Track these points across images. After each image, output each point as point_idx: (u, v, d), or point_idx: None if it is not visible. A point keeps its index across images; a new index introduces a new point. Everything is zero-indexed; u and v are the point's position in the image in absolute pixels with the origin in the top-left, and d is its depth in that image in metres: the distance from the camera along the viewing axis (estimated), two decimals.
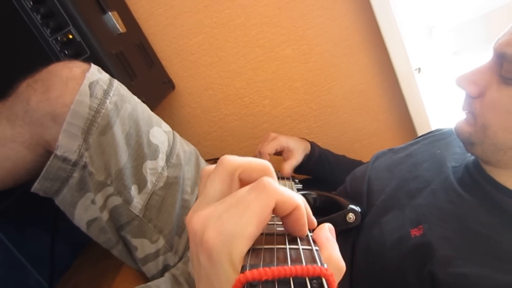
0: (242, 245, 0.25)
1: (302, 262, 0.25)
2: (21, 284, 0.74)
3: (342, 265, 0.28)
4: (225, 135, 1.25)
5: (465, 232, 0.51)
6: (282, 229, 0.31)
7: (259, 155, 0.88)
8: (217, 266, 0.25)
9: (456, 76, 0.56)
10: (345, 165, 0.92)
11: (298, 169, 0.93)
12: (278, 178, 0.82)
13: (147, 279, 0.76)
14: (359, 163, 0.97)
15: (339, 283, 0.26)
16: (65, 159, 0.63)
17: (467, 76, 0.55)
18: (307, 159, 0.91)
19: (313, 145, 0.93)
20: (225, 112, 1.22)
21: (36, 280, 0.76)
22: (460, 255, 0.48)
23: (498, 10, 1.04)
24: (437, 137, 0.74)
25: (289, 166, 0.86)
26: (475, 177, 0.57)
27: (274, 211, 0.27)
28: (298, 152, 0.89)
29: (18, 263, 0.75)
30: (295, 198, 0.27)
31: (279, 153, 0.91)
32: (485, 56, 0.56)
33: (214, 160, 1.16)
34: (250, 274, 0.22)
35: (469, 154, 0.61)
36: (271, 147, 0.88)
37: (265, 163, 0.30)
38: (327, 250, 0.28)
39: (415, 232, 0.54)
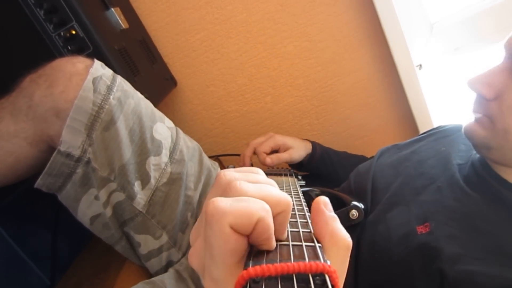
0: (229, 285, 0.24)
1: (305, 259, 0.25)
2: (23, 281, 0.74)
3: (346, 241, 0.26)
4: (227, 132, 1.25)
5: (472, 230, 0.50)
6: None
7: (257, 154, 0.88)
8: None
9: (469, 78, 0.54)
10: (348, 162, 0.92)
11: (300, 168, 0.93)
12: (282, 174, 0.82)
13: (150, 275, 0.76)
14: (361, 158, 0.97)
15: (345, 280, 0.26)
16: (68, 155, 0.62)
17: (481, 78, 0.53)
18: (309, 159, 0.91)
19: (314, 144, 0.93)
20: (227, 109, 1.22)
21: (38, 277, 0.76)
22: (467, 253, 0.48)
23: (500, 6, 1.04)
24: (441, 134, 0.74)
25: (275, 157, 0.85)
26: (482, 175, 0.56)
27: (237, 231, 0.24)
28: (295, 150, 0.89)
29: (20, 260, 0.75)
30: (254, 212, 0.23)
31: (276, 151, 0.91)
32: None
33: (216, 157, 1.16)
34: (253, 270, 0.22)
35: (474, 152, 0.60)
36: (266, 146, 0.87)
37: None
38: (328, 230, 0.27)
39: (421, 229, 0.54)
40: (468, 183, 0.57)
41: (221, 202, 0.24)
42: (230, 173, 0.28)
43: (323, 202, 0.28)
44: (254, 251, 0.26)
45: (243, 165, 0.90)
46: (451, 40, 1.12)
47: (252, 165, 0.89)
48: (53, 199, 0.67)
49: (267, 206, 0.24)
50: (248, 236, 0.24)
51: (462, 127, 0.59)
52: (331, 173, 0.92)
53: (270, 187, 0.27)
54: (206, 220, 0.24)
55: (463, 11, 1.11)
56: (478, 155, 0.59)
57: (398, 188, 0.65)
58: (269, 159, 0.84)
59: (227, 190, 0.26)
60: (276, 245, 0.27)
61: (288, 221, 0.28)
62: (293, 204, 0.37)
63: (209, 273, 0.24)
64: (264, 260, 0.24)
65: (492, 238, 0.49)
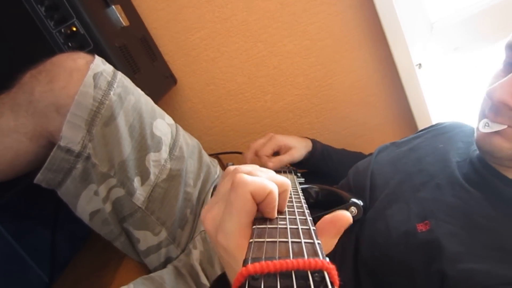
0: (238, 238, 0.31)
1: (304, 256, 0.25)
2: (22, 279, 0.74)
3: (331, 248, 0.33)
4: (226, 130, 1.25)
5: (473, 228, 0.50)
6: (284, 223, 0.32)
7: (259, 158, 0.86)
8: (233, 259, 0.31)
9: (490, 88, 0.50)
10: (347, 159, 0.92)
11: (299, 165, 0.93)
12: (281, 171, 0.82)
13: (149, 271, 0.76)
14: (360, 155, 0.97)
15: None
16: (68, 150, 0.63)
17: (504, 86, 0.48)
18: (309, 157, 0.91)
19: (314, 142, 0.93)
20: (226, 107, 1.22)
21: (37, 274, 0.76)
22: (468, 251, 0.47)
23: (499, 6, 1.04)
24: (439, 131, 0.74)
25: (277, 161, 0.83)
26: (482, 172, 0.56)
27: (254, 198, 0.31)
28: (297, 150, 0.88)
29: (19, 257, 0.74)
30: (267, 185, 0.31)
31: (278, 152, 0.89)
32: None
33: (215, 155, 1.16)
34: (252, 267, 0.23)
35: (473, 149, 0.60)
36: (267, 148, 0.86)
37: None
38: (329, 234, 0.32)
39: (421, 227, 0.53)
40: (467, 180, 0.56)
41: (245, 175, 0.31)
42: (243, 166, 0.36)
43: (346, 220, 0.33)
44: (254, 248, 0.27)
45: None
46: (451, 40, 1.12)
47: None
48: (52, 196, 0.67)
49: (275, 184, 0.32)
50: (259, 205, 0.32)
51: (474, 137, 0.56)
52: (330, 170, 0.92)
53: (274, 173, 0.35)
54: (232, 187, 0.31)
55: (463, 11, 1.11)
56: (476, 152, 0.59)
57: (396, 185, 0.64)
58: (271, 164, 0.82)
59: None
60: (276, 241, 0.28)
61: (288, 198, 0.35)
62: (292, 201, 0.38)
63: (223, 228, 0.31)
64: (263, 257, 0.25)
65: (492, 235, 0.49)
